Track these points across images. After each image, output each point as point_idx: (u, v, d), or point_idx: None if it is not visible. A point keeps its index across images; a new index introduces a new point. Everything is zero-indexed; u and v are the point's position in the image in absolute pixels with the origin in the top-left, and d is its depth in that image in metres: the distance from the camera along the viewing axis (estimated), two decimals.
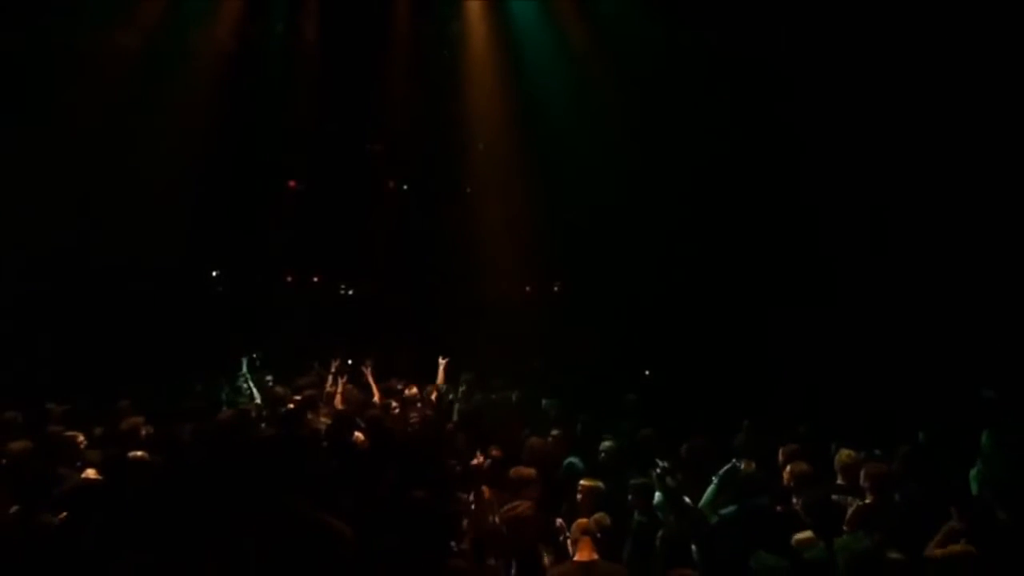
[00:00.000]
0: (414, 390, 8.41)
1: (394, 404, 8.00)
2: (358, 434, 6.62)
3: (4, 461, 5.49)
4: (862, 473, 5.00)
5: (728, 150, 10.54)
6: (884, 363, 8.93)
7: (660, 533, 4.46)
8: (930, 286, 9.05)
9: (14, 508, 4.75)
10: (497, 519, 5.03)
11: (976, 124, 8.85)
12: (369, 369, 8.67)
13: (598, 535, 4.34)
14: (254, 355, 9.09)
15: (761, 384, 8.92)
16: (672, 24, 10.58)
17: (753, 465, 5.47)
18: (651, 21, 10.69)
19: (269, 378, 8.87)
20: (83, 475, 5.41)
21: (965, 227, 9.01)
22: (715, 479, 5.34)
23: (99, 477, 5.38)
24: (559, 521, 4.86)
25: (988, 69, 8.74)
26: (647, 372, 10.94)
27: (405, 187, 13.78)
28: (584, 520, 4.43)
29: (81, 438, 5.80)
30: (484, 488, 5.20)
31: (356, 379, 8.66)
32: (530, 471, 5.39)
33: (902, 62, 9.26)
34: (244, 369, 8.82)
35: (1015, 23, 8.40)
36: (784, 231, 10.46)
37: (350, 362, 8.74)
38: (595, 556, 4.25)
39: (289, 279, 13.57)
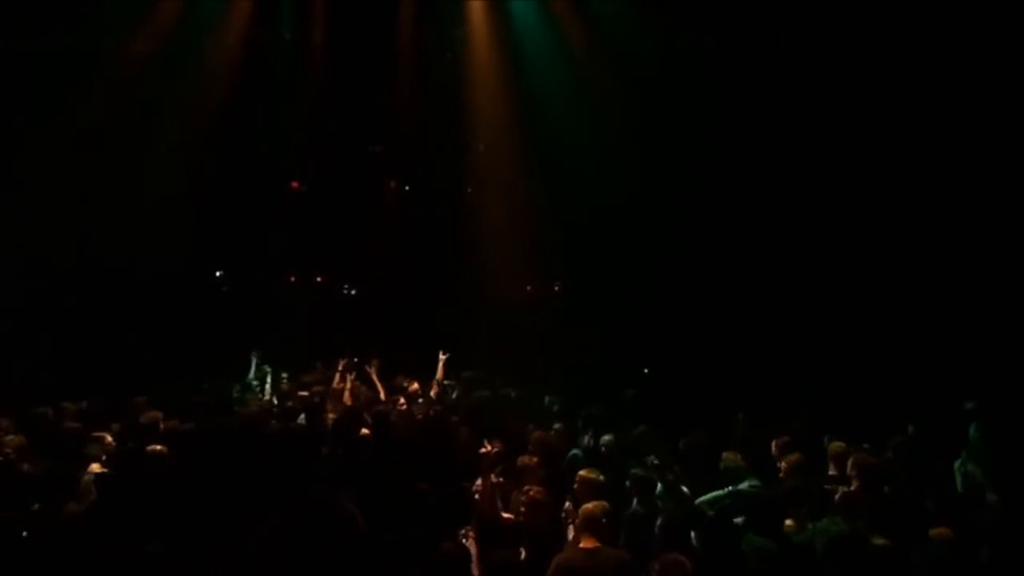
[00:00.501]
0: (416, 386, 8.57)
1: (401, 400, 8.17)
2: (364, 430, 6.79)
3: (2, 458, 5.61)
4: (850, 462, 5.17)
5: (728, 150, 10.64)
6: (878, 360, 9.10)
7: (659, 520, 4.61)
8: (926, 285, 9.19)
9: (36, 505, 4.89)
10: (500, 504, 5.19)
11: (974, 126, 8.96)
12: (374, 368, 8.83)
13: (603, 522, 4.46)
14: (254, 353, 9.23)
15: (759, 381, 9.08)
16: (671, 26, 10.68)
17: (739, 456, 5.63)
18: (650, 23, 10.79)
19: (284, 375, 9.01)
20: (87, 470, 5.53)
21: (961, 227, 9.15)
22: (728, 489, 5.40)
23: (104, 471, 5.51)
24: (567, 505, 5.00)
25: (987, 69, 8.85)
26: (646, 371, 11.08)
27: (406, 187, 13.89)
28: (589, 507, 4.53)
29: (109, 438, 5.92)
30: (492, 476, 5.34)
31: (362, 377, 8.81)
32: (531, 459, 5.56)
33: (901, 64, 9.37)
34: (255, 367, 8.96)
35: (1015, 23, 8.51)
36: (781, 231, 10.59)
37: (356, 360, 8.88)
38: (599, 543, 4.36)
39: (292, 279, 13.70)
